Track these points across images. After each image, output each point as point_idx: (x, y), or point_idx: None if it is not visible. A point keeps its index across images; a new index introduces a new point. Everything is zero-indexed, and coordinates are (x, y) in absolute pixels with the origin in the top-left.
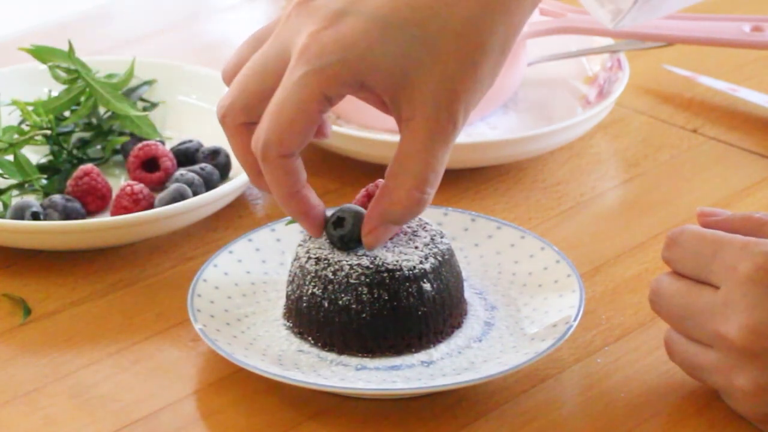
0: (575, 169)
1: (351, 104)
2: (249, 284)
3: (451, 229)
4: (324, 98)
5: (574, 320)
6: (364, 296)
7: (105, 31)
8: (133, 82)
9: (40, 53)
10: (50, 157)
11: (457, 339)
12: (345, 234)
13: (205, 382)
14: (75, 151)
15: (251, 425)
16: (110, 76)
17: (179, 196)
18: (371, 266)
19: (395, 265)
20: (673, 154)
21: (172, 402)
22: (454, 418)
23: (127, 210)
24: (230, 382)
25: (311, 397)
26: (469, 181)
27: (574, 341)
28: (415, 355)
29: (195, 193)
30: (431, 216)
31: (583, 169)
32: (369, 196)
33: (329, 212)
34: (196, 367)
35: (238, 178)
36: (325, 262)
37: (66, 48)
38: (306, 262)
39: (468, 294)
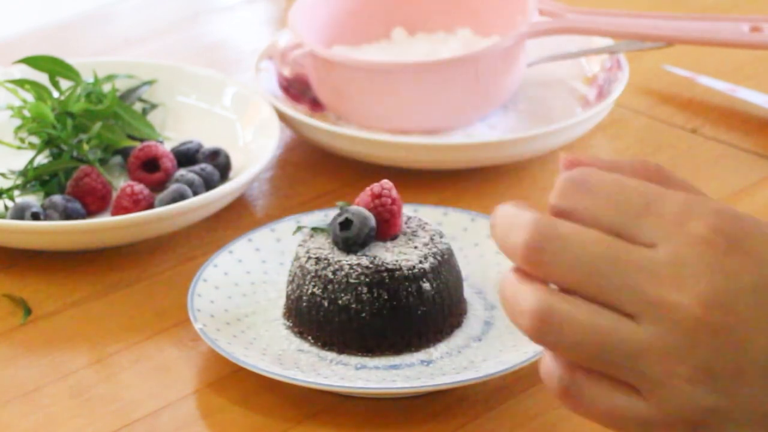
0: None
1: (351, 105)
2: (249, 284)
3: (450, 229)
4: None
5: None
6: (363, 296)
7: (105, 31)
8: (133, 83)
9: (36, 62)
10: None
11: (457, 338)
12: (350, 237)
13: (205, 382)
14: (75, 152)
15: (251, 424)
16: (110, 76)
17: (179, 197)
18: (371, 266)
19: (395, 264)
20: (673, 154)
21: (172, 402)
22: (453, 418)
23: (127, 210)
24: (230, 382)
25: (311, 396)
26: (469, 181)
27: None
28: (415, 354)
29: (195, 194)
30: (431, 216)
31: None
32: (373, 197)
33: (336, 210)
34: (196, 367)
35: (238, 179)
36: (325, 261)
37: (66, 48)
38: (306, 261)
39: (467, 293)
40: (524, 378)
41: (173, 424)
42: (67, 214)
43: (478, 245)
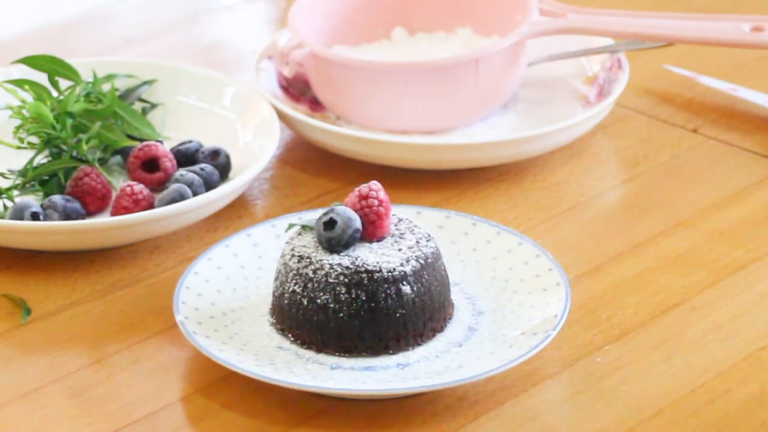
0: (575, 169)
1: (351, 105)
2: (242, 279)
3: (451, 233)
4: None
5: (554, 329)
6: (342, 296)
7: (105, 31)
8: (133, 83)
9: (35, 62)
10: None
11: (437, 343)
12: (333, 237)
13: (206, 382)
14: (75, 152)
15: (252, 424)
16: (110, 76)
17: (179, 197)
18: (351, 266)
19: (375, 266)
20: (673, 154)
21: (172, 402)
22: (453, 418)
23: (127, 210)
24: (231, 382)
25: (307, 399)
26: (469, 181)
27: (575, 340)
28: (393, 356)
29: (195, 194)
30: (434, 218)
31: (583, 169)
32: (360, 198)
33: (322, 210)
34: (196, 367)
35: (238, 179)
36: (307, 260)
37: (66, 48)
38: (290, 259)
39: (457, 298)
40: (525, 378)
41: (173, 424)
42: (67, 214)
43: (476, 250)
